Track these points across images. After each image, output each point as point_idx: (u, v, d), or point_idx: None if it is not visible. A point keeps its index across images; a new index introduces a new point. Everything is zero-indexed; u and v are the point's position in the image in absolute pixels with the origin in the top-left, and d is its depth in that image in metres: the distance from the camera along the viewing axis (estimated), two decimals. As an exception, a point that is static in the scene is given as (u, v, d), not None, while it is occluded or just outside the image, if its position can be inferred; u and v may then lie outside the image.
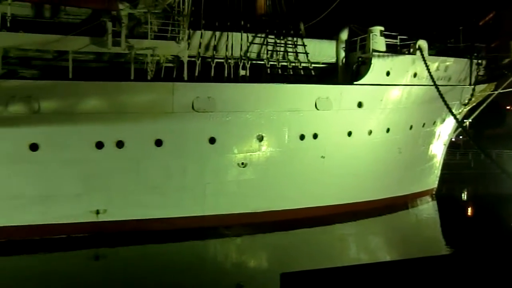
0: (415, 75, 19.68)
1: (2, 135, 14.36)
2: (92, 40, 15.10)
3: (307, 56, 18.66)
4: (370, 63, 18.77)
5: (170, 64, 16.82)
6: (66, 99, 14.97)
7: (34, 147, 14.69)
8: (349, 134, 18.62)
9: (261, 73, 18.04)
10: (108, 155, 15.42)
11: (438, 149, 23.86)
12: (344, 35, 20.09)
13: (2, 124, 14.33)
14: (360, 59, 19.41)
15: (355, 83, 18.68)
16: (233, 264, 15.21)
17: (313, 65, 18.87)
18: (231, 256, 16.13)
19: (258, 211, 17.34)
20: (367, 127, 19.10)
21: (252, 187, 17.19)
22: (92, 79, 15.36)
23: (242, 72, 17.53)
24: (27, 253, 14.66)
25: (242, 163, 16.95)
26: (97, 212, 15.55)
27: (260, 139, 17.17)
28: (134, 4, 15.93)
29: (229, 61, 17.35)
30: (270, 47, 18.30)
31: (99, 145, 15.30)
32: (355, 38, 19.80)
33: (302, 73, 18.47)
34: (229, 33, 17.48)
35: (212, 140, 16.41)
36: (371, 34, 19.02)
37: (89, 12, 16.24)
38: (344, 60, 20.09)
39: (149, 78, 16.01)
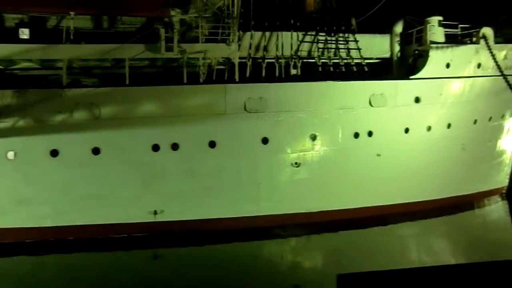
0: (479, 65, 18.64)
1: (68, 140, 15.36)
2: (147, 47, 15.81)
3: (359, 52, 18.31)
4: (428, 56, 18.07)
5: (222, 66, 17.24)
6: (124, 105, 15.79)
7: (96, 151, 15.55)
8: (406, 131, 17.96)
9: (313, 72, 17.75)
10: (164, 157, 15.97)
11: (508, 145, 22.20)
12: (398, 27, 19.51)
13: (68, 130, 15.33)
14: (416, 52, 18.73)
15: (411, 77, 18.02)
16: (288, 265, 15.25)
17: (366, 61, 18.49)
18: (286, 257, 16.14)
19: (312, 211, 17.22)
20: (425, 123, 18.38)
21: (306, 186, 17.09)
22: (147, 84, 16.04)
23: (293, 71, 17.50)
24: (91, 251, 15.46)
25: (296, 163, 16.84)
26: (155, 213, 16.07)
27: (313, 138, 16.99)
28: (185, 10, 16.52)
29: (280, 60, 17.40)
30: (321, 45, 18.19)
31: (155, 147, 15.90)
32: (411, 31, 19.19)
33: (355, 69, 18.01)
34: (279, 32, 17.56)
35: (264, 140, 16.52)
36: (428, 25, 18.32)
37: (143, 20, 17.06)
38: (399, 54, 19.52)
39: (201, 81, 16.46)
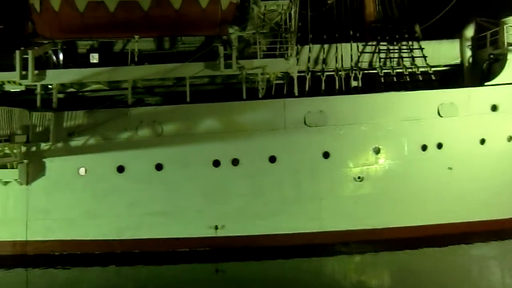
0: None
1: (133, 157, 16.27)
2: (206, 64, 16.47)
3: (425, 60, 17.64)
4: (506, 60, 17.08)
5: (280, 81, 17.37)
6: (185, 121, 16.49)
7: (159, 167, 16.30)
8: (482, 141, 17.00)
9: (374, 83, 17.33)
10: (225, 173, 16.38)
11: None
12: (469, 31, 18.67)
13: (133, 147, 16.23)
14: (491, 56, 17.73)
15: (486, 84, 17.07)
16: (353, 283, 14.94)
17: (432, 68, 17.80)
18: (350, 275, 15.79)
19: (377, 227, 16.69)
20: (505, 132, 17.25)
21: (370, 202, 16.67)
22: (207, 101, 16.61)
23: (353, 83, 17.31)
24: (155, 264, 16.00)
25: (359, 177, 16.53)
26: (216, 228, 16.39)
27: (377, 151, 16.62)
28: (243, 27, 16.92)
29: (340, 73, 17.37)
30: (382, 55, 17.81)
31: (216, 163, 16.36)
32: (484, 34, 18.20)
33: (421, 78, 17.29)
34: (338, 44, 17.51)
35: (326, 155, 16.43)
36: (505, 26, 17.26)
37: (203, 39, 17.77)
38: (470, 59, 18.57)
39: (260, 96, 16.82)
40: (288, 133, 16.32)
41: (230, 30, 16.81)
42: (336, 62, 17.30)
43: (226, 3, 16.88)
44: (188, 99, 16.32)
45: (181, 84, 16.57)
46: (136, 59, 16.60)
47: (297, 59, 16.83)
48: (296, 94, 16.58)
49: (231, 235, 16.31)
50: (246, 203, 16.41)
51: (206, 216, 16.35)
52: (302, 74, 16.91)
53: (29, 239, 16.17)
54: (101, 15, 16.60)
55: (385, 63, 17.69)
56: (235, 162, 16.34)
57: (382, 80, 17.44)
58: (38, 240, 16.16)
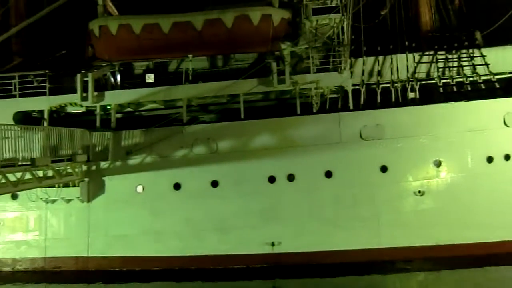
0: None
1: (189, 174, 16.52)
2: (260, 81, 16.59)
3: (487, 68, 16.81)
4: None
5: (335, 95, 17.15)
6: (239, 138, 16.61)
7: (214, 183, 16.45)
8: (553, 152, 15.87)
9: (433, 93, 16.81)
10: (281, 189, 16.32)
11: None
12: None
13: (188, 164, 16.48)
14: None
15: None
16: None
17: (496, 76, 16.95)
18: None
19: (441, 243, 16.01)
20: None
21: (433, 217, 16.04)
22: (261, 117, 16.62)
23: (410, 95, 16.83)
24: (212, 281, 16.13)
25: (419, 191, 16.00)
26: (272, 244, 16.26)
27: (438, 164, 16.07)
28: (295, 42, 16.96)
29: (396, 84, 16.91)
30: (441, 64, 17.15)
31: (272, 179, 16.34)
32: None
33: (483, 87, 16.54)
34: (393, 56, 17.10)
35: (383, 169, 16.05)
36: None
37: (255, 56, 17.96)
38: (539, 65, 17.45)
39: (314, 111, 16.65)
40: (344, 147, 16.09)
41: (283, 46, 16.82)
42: (392, 73, 16.90)
43: (278, 19, 16.98)
44: (242, 116, 16.47)
45: (235, 101, 16.72)
46: (190, 77, 16.99)
47: (351, 72, 16.62)
48: (351, 107, 16.34)
49: (288, 251, 16.14)
50: (303, 219, 16.21)
51: (262, 232, 16.26)
52: (357, 87, 16.63)
53: (90, 255, 16.69)
54: (156, 37, 17.09)
55: (443, 73, 17.10)
56: (290, 177, 16.25)
57: (441, 90, 16.87)
58: (99, 256, 16.65)
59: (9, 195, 15.93)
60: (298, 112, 16.46)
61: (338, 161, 16.12)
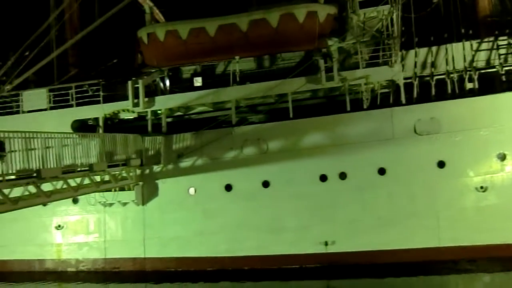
0: None
1: (240, 175, 16.23)
2: (307, 79, 16.03)
3: (556, 52, 15.34)
4: None
5: (386, 90, 16.21)
6: (289, 137, 16.11)
7: (265, 184, 16.08)
8: None
9: (494, 82, 15.51)
10: (332, 187, 15.71)
11: None
12: None
13: (239, 166, 16.22)
14: None
15: None
16: None
17: None
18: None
19: (508, 242, 14.66)
20: None
21: (497, 214, 14.79)
22: (310, 116, 16.04)
23: (468, 85, 15.55)
24: (265, 281, 15.74)
25: (481, 187, 14.87)
26: (326, 244, 15.70)
27: (502, 158, 14.88)
28: (342, 38, 16.22)
29: (452, 75, 15.73)
30: (502, 51, 15.80)
31: (323, 178, 15.77)
32: None
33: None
34: (447, 45, 15.95)
35: (441, 164, 15.07)
36: None
37: (302, 54, 17.38)
38: None
39: (365, 107, 15.92)
40: (397, 143, 15.23)
41: (330, 42, 16.17)
42: (447, 64, 15.78)
43: (324, 16, 16.40)
44: (291, 115, 15.99)
45: (283, 101, 16.26)
46: (237, 79, 16.71)
47: (403, 65, 15.70)
48: (404, 102, 15.44)
49: (342, 251, 15.53)
50: (356, 218, 15.52)
51: (315, 231, 15.74)
52: (409, 80, 15.68)
53: (146, 256, 16.82)
54: (203, 40, 16.99)
55: (505, 60, 15.73)
56: (342, 176, 15.62)
57: (504, 79, 15.55)
58: (155, 257, 16.74)
59: (70, 199, 16.18)
60: (348, 109, 15.79)
61: (391, 158, 15.31)
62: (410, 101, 15.50)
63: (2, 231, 17.24)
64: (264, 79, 16.52)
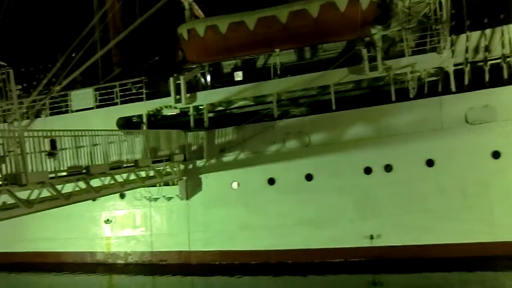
0: None
1: (282, 168, 15.86)
2: (350, 70, 15.41)
3: None
4: None
5: (434, 78, 15.25)
6: (332, 130, 15.58)
7: (309, 177, 15.67)
8: None
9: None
10: (377, 180, 15.13)
11: None
12: None
13: (281, 159, 15.83)
14: None
15: None
16: None
17: None
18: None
19: None
20: None
21: None
22: (353, 107, 15.44)
23: (528, 69, 14.31)
24: (308, 275, 15.28)
25: None
26: (371, 237, 15.17)
27: None
28: (386, 25, 15.45)
29: (508, 59, 14.64)
30: None
31: (368, 170, 15.20)
32: None
33: None
34: (504, 27, 14.79)
35: (496, 155, 14.11)
36: None
37: (344, 44, 16.71)
38: None
39: (411, 96, 15.09)
40: (446, 133, 14.38)
41: (373, 31, 15.42)
42: (503, 47, 14.62)
43: (366, 3, 15.59)
44: (333, 107, 15.43)
45: (325, 93, 15.70)
46: (278, 72, 16.30)
47: (452, 51, 14.71)
48: (454, 89, 14.51)
49: (388, 245, 14.91)
50: (403, 211, 14.82)
51: (360, 225, 15.19)
52: (459, 67, 14.71)
53: (191, 249, 16.82)
54: (242, 34, 16.65)
55: None
56: (388, 168, 14.95)
57: None
58: (200, 251, 16.71)
59: (117, 194, 16.54)
60: (393, 99, 15.03)
61: (440, 149, 14.49)
62: (460, 89, 14.55)
63: (57, 225, 17.68)
64: (305, 71, 15.99)
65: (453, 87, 14.55)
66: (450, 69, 14.54)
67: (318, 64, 16.41)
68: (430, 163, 14.57)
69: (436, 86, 15.17)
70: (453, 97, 14.45)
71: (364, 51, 15.03)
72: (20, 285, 17.52)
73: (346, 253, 15.29)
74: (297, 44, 16.85)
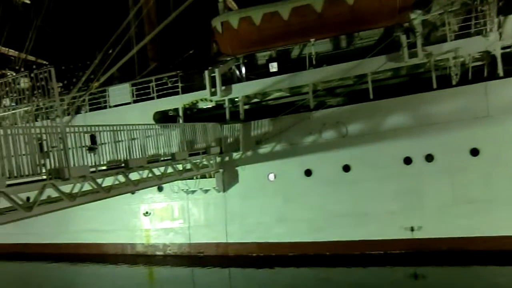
0: None
1: (319, 160, 15.54)
2: (388, 57, 14.83)
3: None
4: None
5: (479, 63, 14.35)
6: (370, 119, 15.09)
7: (346, 168, 15.29)
8: None
9: None
10: (418, 170, 14.55)
11: None
12: None
13: (318, 150, 15.51)
14: None
15: None
16: None
17: None
18: None
19: None
20: None
21: None
22: (392, 96, 14.84)
23: None
24: (347, 267, 15.00)
25: None
26: (412, 229, 14.61)
27: None
28: (427, 9, 14.67)
29: (560, 40, 13.57)
30: None
31: (407, 160, 14.64)
32: None
33: None
34: None
35: None
36: None
37: (382, 31, 16.08)
38: None
39: (454, 83, 14.34)
40: (493, 121, 13.60)
41: (412, 16, 14.69)
42: None
43: (405, -13, 14.94)
44: (371, 96, 14.89)
45: (362, 82, 15.18)
46: (314, 62, 15.90)
47: (500, 34, 13.81)
48: (501, 74, 13.66)
49: (429, 237, 14.36)
50: (445, 202, 14.21)
51: (400, 217, 14.66)
52: (508, 50, 13.83)
53: (229, 241, 16.80)
54: (276, 25, 16.28)
55: None
56: (429, 158, 14.34)
57: None
58: (237, 242, 16.68)
59: (155, 187, 16.65)
60: (434, 86, 14.32)
61: (486, 137, 13.74)
62: (508, 74, 13.67)
63: (98, 218, 18.07)
64: (342, 60, 15.50)
65: (500, 71, 13.69)
66: (498, 52, 13.68)
67: (355, 53, 15.88)
68: (474, 152, 13.85)
69: (481, 71, 14.33)
70: (500, 83, 13.61)
71: (403, 38, 14.39)
72: (67, 274, 18.11)
73: (385, 245, 14.86)
74: (332, 33, 16.33)
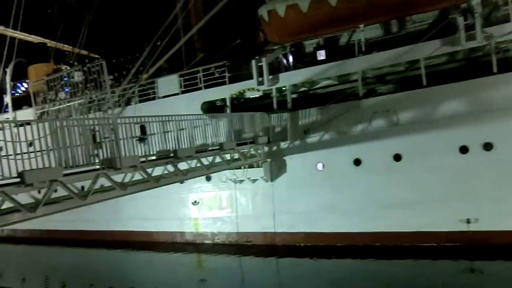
0: None
1: (369, 149, 15.03)
2: (443, 41, 13.99)
3: None
4: None
5: (546, 44, 13.21)
6: (423, 107, 14.39)
7: (397, 157, 14.75)
8: None
9: None
10: (475, 160, 13.72)
11: None
12: None
13: (368, 139, 15.02)
14: None
15: None
16: None
17: None
18: None
19: None
20: None
21: None
22: (446, 82, 14.00)
23: None
24: (398, 259, 14.59)
25: None
26: (468, 221, 13.88)
27: None
28: (486, -11, 13.49)
29: None
30: None
31: (463, 149, 13.86)
32: None
33: None
34: None
35: None
36: None
37: (436, 14, 15.15)
38: None
39: (516, 67, 13.12)
40: None
41: (471, -5, 13.78)
42: None
43: (463, -35, 13.94)
44: (424, 83, 14.14)
45: (414, 68, 14.44)
46: (363, 49, 15.27)
47: None
48: None
49: (487, 229, 13.56)
50: (505, 194, 13.32)
51: (454, 208, 13.93)
52: None
53: (277, 231, 16.75)
54: (324, 11, 15.80)
55: None
56: (487, 146, 13.46)
57: None
58: (285, 232, 16.58)
59: (204, 177, 16.85)
60: (495, 70, 13.36)
61: None
62: None
63: (148, 206, 18.54)
64: (392, 46, 14.77)
65: None
66: None
67: (406, 38, 15.09)
68: (540, 141, 12.83)
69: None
70: None
71: (460, 20, 13.47)
72: (120, 261, 18.84)
73: (439, 237, 14.22)
74: (383, 17, 15.60)
